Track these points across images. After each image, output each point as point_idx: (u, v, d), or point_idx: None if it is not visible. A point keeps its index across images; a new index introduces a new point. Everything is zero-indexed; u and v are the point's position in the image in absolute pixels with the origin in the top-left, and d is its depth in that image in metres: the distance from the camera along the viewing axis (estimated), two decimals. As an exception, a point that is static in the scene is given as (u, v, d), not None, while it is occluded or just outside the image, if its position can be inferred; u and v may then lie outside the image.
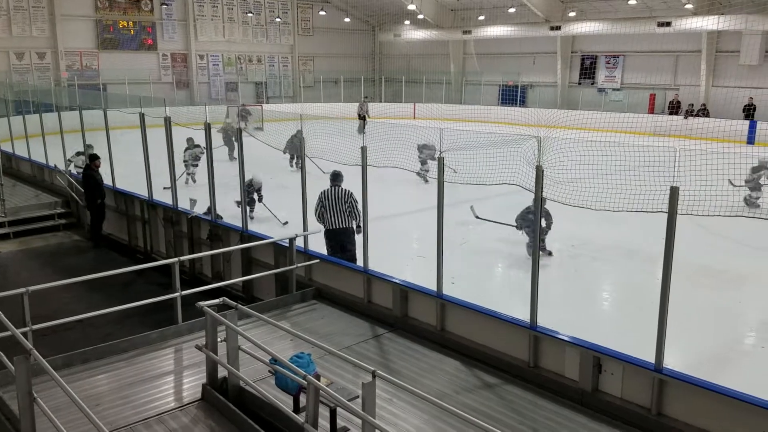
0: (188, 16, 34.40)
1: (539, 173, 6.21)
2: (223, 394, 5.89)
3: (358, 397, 4.90)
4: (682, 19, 27.06)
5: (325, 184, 9.47)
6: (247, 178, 13.00)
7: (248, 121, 22.77)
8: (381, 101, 36.41)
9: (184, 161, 16.06)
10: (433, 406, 4.67)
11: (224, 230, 10.59)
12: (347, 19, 38.41)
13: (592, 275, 10.63)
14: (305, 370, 5.05)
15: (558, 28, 31.88)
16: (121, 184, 13.57)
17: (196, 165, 15.90)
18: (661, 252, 5.53)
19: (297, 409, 5.34)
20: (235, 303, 6.08)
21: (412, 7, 34.47)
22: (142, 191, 12.49)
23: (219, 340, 5.94)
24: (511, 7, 32.62)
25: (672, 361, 5.80)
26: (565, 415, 5.75)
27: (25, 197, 15.48)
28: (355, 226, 9.26)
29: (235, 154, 10.24)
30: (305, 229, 9.16)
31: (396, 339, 7.38)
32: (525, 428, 5.53)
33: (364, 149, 7.85)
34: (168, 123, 11.12)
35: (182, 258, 8.20)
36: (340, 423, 5.13)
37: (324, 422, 5.01)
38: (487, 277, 10.48)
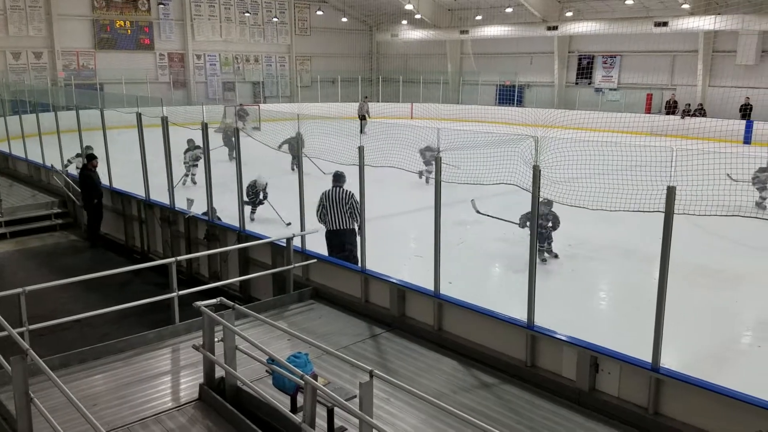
0: (185, 15, 34.37)
1: (536, 173, 6.21)
2: (220, 394, 5.88)
3: (355, 396, 4.89)
4: (678, 19, 27.12)
5: (326, 184, 9.46)
6: (251, 179, 13.07)
7: (246, 121, 22.76)
8: (378, 101, 36.42)
9: (185, 162, 16.03)
10: (430, 405, 4.67)
11: (221, 230, 10.58)
12: (344, 19, 38.43)
13: (589, 275, 10.65)
14: (302, 369, 5.04)
15: (555, 28, 31.92)
16: (118, 184, 13.55)
17: (196, 165, 15.88)
18: (658, 251, 5.54)
19: (294, 409, 5.33)
20: (233, 303, 6.07)
21: (409, 6, 34.49)
22: (139, 191, 12.47)
23: (216, 340, 5.93)
24: (508, 7, 32.66)
25: (669, 361, 5.82)
26: (562, 414, 5.76)
27: (22, 197, 15.44)
28: (356, 228, 9.25)
29: (235, 154, 10.23)
30: (303, 228, 9.15)
31: (393, 339, 7.39)
32: (522, 428, 5.53)
33: (361, 149, 7.85)
34: (165, 123, 11.11)
35: (179, 258, 8.19)
36: (337, 423, 5.13)
37: (321, 422, 5.01)
38: (485, 277, 10.50)
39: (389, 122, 10.17)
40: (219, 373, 5.97)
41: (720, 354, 7.78)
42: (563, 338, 6.18)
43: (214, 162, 10.74)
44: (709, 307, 9.06)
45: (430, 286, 7.33)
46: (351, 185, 9.06)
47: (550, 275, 10.08)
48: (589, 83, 33.47)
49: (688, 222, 6.49)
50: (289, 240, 8.69)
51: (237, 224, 10.19)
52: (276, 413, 5.29)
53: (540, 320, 6.42)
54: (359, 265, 8.40)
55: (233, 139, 11.63)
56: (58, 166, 15.28)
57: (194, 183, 15.94)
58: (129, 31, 32.79)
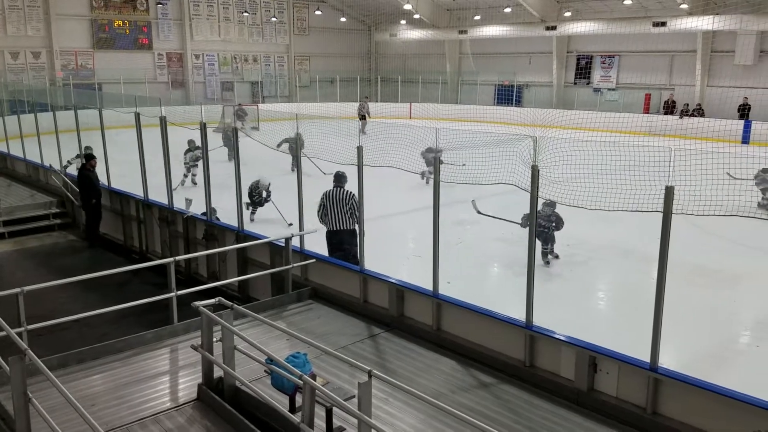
0: (184, 15, 34.35)
1: (535, 173, 6.22)
2: (218, 394, 5.88)
3: (354, 396, 4.90)
4: (677, 19, 27.14)
5: (326, 185, 9.46)
6: (252, 180, 13.06)
7: (245, 120, 22.73)
8: (377, 101, 36.43)
9: (185, 163, 16.00)
10: (429, 405, 4.67)
11: (220, 230, 10.58)
12: (343, 19, 38.41)
13: (588, 275, 10.65)
14: (301, 369, 5.05)
15: (554, 28, 31.94)
16: (116, 184, 13.54)
17: (197, 166, 15.87)
18: (656, 251, 5.54)
19: (293, 409, 5.34)
20: (231, 303, 6.07)
21: (408, 6, 34.50)
22: (137, 191, 12.46)
23: (215, 340, 5.93)
24: (506, 7, 32.68)
25: (667, 360, 5.83)
26: (560, 414, 5.77)
27: (20, 197, 15.44)
28: (358, 229, 9.23)
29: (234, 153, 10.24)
30: (301, 228, 9.15)
31: (392, 339, 7.39)
32: (521, 427, 5.54)
33: (359, 149, 7.86)
34: (163, 123, 11.11)
35: (178, 258, 8.20)
36: (336, 423, 5.14)
37: (320, 422, 5.01)
38: (483, 277, 10.50)
39: (389, 122, 10.15)
40: (217, 373, 5.97)
41: (718, 354, 7.78)
42: (562, 338, 6.19)
43: (215, 162, 10.75)
44: (708, 307, 9.07)
45: (429, 286, 7.33)
46: (352, 185, 9.05)
47: (548, 275, 10.09)
48: (588, 83, 33.49)
49: (686, 222, 6.50)
50: (287, 240, 8.69)
51: (243, 224, 10.17)
52: (275, 413, 5.29)
53: (538, 320, 6.43)
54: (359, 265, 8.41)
55: (233, 139, 11.62)
56: (57, 166, 15.26)
57: (194, 184, 15.92)
58: (127, 30, 32.76)
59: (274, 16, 37.53)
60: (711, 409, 5.25)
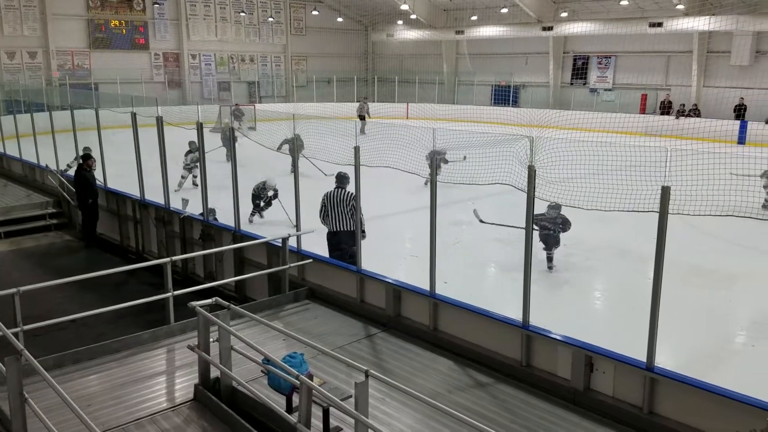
0: (180, 15, 34.30)
1: (531, 173, 6.23)
2: (215, 395, 5.88)
3: (351, 396, 4.90)
4: (673, 19, 27.20)
5: (327, 186, 9.45)
6: (253, 180, 13.04)
7: (242, 120, 22.73)
8: (374, 101, 36.43)
9: (186, 165, 15.95)
10: (426, 405, 4.68)
11: (216, 230, 10.57)
12: (340, 19, 38.39)
13: (584, 275, 10.66)
14: (298, 369, 5.04)
15: (550, 28, 31.98)
16: (113, 184, 13.52)
17: (197, 167, 15.81)
18: (652, 251, 5.56)
19: (290, 409, 5.33)
20: (228, 303, 6.07)
21: (404, 7, 34.51)
22: (134, 191, 12.45)
23: (211, 340, 5.92)
24: (503, 8, 32.70)
25: (663, 360, 5.84)
26: (557, 414, 5.77)
27: (16, 197, 15.40)
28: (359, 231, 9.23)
29: (231, 152, 10.23)
30: (298, 229, 9.15)
31: (389, 338, 7.39)
32: (517, 427, 5.54)
33: (356, 149, 7.86)
34: (160, 123, 11.09)
35: (174, 258, 8.18)
36: (333, 423, 5.14)
37: (317, 422, 5.01)
38: (480, 277, 10.51)
39: (387, 122, 10.16)
40: (214, 373, 5.96)
41: (714, 353, 7.80)
42: (558, 338, 6.20)
43: (214, 162, 10.74)
44: (704, 307, 9.09)
45: (426, 286, 7.34)
46: (353, 186, 9.05)
47: (545, 275, 10.09)
48: (584, 83, 33.53)
49: (682, 222, 6.52)
50: (284, 240, 8.69)
51: (239, 224, 10.17)
52: (271, 413, 5.29)
53: (535, 320, 6.44)
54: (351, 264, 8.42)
55: (231, 138, 11.62)
56: (53, 166, 15.23)
57: (195, 185, 15.89)
58: (124, 30, 32.70)
59: (270, 16, 37.51)
60: (707, 409, 5.27)
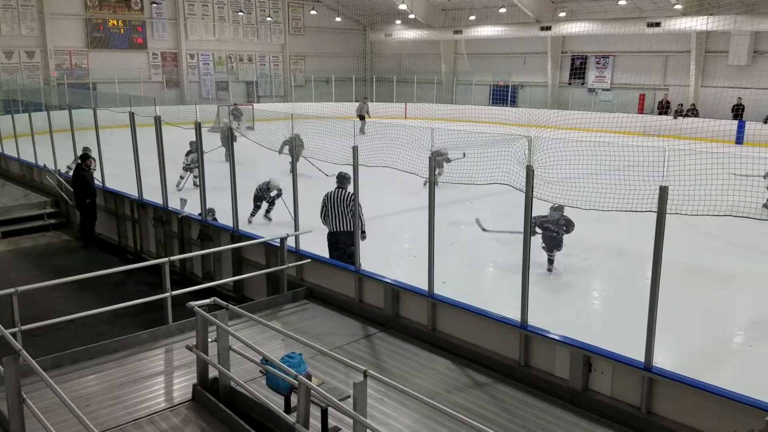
0: (178, 15, 34.28)
1: (530, 173, 6.23)
2: (213, 395, 5.88)
3: (349, 396, 4.90)
4: (671, 19, 27.23)
5: (328, 186, 9.44)
6: (252, 180, 13.02)
7: (240, 120, 22.71)
8: (373, 101, 36.42)
9: (187, 165, 15.93)
10: (424, 405, 4.68)
11: (215, 230, 10.56)
12: (338, 19, 38.37)
13: (583, 275, 10.67)
14: (296, 370, 5.05)
15: (548, 28, 32.00)
16: (111, 184, 13.51)
17: (197, 167, 15.78)
18: (650, 251, 5.56)
19: (288, 409, 5.33)
20: (226, 303, 6.07)
21: (403, 6, 34.50)
22: (132, 191, 12.43)
23: (210, 340, 5.92)
24: (501, 8, 32.72)
25: (661, 360, 5.84)
26: (555, 413, 5.78)
27: (14, 197, 15.38)
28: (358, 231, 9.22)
29: (229, 152, 10.23)
30: (296, 229, 9.15)
31: (387, 338, 7.39)
32: (515, 427, 5.55)
33: (355, 149, 7.85)
34: (158, 122, 11.08)
35: (172, 258, 8.17)
36: (331, 423, 5.13)
37: (315, 422, 5.01)
38: (479, 277, 10.51)
39: (385, 122, 10.16)
40: (212, 373, 5.96)
41: (712, 353, 7.81)
42: (556, 338, 6.20)
43: (214, 162, 10.73)
44: (702, 307, 9.10)
45: (424, 286, 7.34)
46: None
47: (544, 275, 10.10)
48: (582, 83, 33.56)
49: (680, 222, 6.52)
50: (282, 240, 8.69)
51: (238, 224, 10.16)
52: (270, 413, 5.28)
53: (533, 320, 6.44)
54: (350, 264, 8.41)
55: (229, 138, 11.61)
56: (51, 166, 15.21)
57: (196, 186, 15.87)
58: (122, 30, 32.68)
59: (269, 16, 37.49)
60: (705, 409, 5.28)
